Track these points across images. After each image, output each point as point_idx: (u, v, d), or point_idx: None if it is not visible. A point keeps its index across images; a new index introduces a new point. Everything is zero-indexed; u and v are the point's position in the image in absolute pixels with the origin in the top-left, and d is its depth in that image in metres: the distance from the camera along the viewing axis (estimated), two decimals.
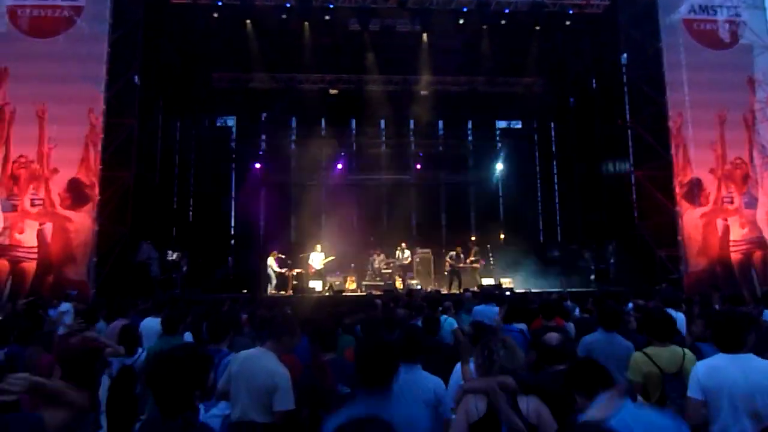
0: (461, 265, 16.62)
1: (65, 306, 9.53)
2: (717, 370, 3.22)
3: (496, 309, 7.20)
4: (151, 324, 6.61)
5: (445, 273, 16.99)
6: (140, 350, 5.41)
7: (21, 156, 13.16)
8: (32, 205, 13.06)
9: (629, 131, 16.37)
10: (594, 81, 19.92)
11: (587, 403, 2.48)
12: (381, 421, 1.82)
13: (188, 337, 6.20)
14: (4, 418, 2.00)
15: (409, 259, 17.10)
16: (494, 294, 8.09)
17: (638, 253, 16.03)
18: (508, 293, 11.74)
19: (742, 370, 3.15)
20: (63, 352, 5.06)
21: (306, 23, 17.91)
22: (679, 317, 6.40)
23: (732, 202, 14.84)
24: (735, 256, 14.67)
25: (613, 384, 2.57)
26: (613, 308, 4.93)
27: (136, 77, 14.63)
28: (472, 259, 16.94)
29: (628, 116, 16.55)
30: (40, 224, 13.02)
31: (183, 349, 2.41)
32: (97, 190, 13.24)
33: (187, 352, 2.35)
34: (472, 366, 3.20)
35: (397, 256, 17.01)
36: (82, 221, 13.14)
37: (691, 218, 14.72)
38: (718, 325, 3.34)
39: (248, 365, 3.76)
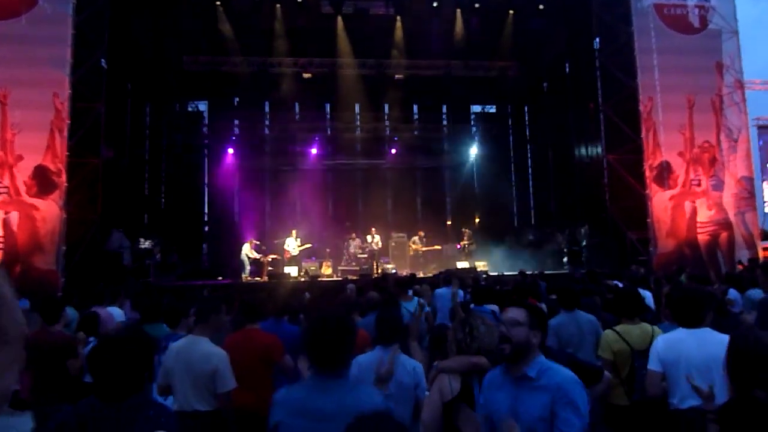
0: (423, 248, 16.95)
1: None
2: (675, 343, 3.34)
3: (459, 291, 7.24)
4: (118, 313, 6.53)
5: (416, 257, 17.24)
6: (91, 339, 5.27)
7: None
8: None
9: (601, 115, 16.55)
10: (567, 65, 20.07)
11: None
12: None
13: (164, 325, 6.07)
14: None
15: (380, 244, 17.18)
16: (456, 276, 8.07)
17: (610, 236, 16.31)
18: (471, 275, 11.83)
19: (698, 342, 3.27)
20: (35, 346, 4.97)
21: (278, 6, 17.66)
22: (647, 295, 6.57)
23: (699, 185, 15.16)
24: (702, 238, 15.02)
25: None
26: (570, 289, 5.06)
27: (103, 60, 14.23)
28: (466, 242, 17.33)
29: (600, 100, 16.72)
30: (5, 213, 12.63)
31: (126, 330, 2.39)
32: (64, 177, 12.88)
33: (130, 333, 2.25)
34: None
35: (368, 241, 17.05)
36: (49, 209, 12.79)
37: (660, 201, 15.00)
38: (678, 301, 3.46)
39: (183, 355, 3.77)
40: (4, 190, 12.65)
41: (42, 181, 12.78)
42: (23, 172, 12.76)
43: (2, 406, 1.80)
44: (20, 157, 12.76)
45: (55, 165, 12.86)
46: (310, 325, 2.39)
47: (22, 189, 12.70)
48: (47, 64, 12.97)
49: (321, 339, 2.28)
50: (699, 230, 15.05)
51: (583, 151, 18.96)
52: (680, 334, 3.37)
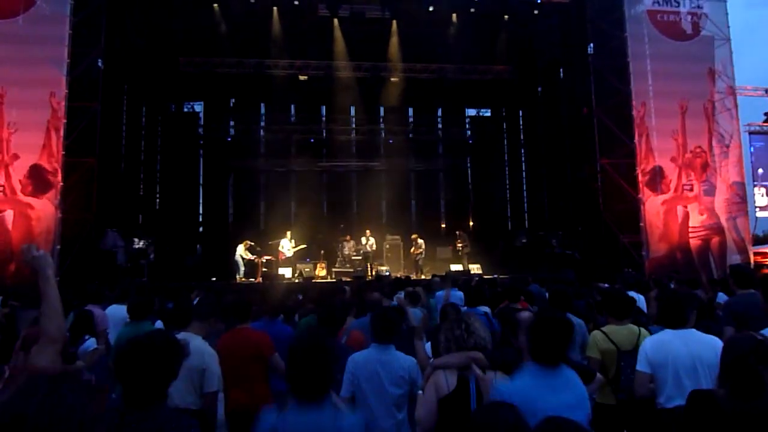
0: (420, 250, 16.97)
1: None
2: (662, 344, 3.43)
3: (459, 293, 7.33)
4: (116, 311, 6.54)
5: (415, 260, 17.20)
6: (86, 337, 5.29)
7: None
8: None
9: (595, 120, 16.68)
10: (561, 70, 20.19)
11: None
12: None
13: (159, 324, 6.16)
14: None
15: (374, 246, 17.17)
16: (456, 279, 8.27)
17: (603, 240, 16.41)
18: (475, 278, 11.91)
19: (685, 343, 3.36)
20: (28, 340, 5.01)
21: (275, 8, 17.73)
22: (640, 299, 6.67)
23: (692, 190, 15.31)
24: (694, 242, 15.16)
25: None
26: (562, 291, 5.14)
27: (99, 60, 14.25)
28: (460, 245, 17.35)
29: (594, 105, 16.84)
30: (1, 211, 12.66)
31: (159, 335, 2.23)
32: (59, 177, 12.91)
33: (163, 338, 2.18)
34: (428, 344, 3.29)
35: (362, 243, 17.07)
36: (44, 208, 12.81)
37: (652, 205, 15.15)
38: (663, 303, 3.56)
39: None
40: (0, 188, 12.65)
41: (37, 181, 12.81)
42: (19, 171, 12.78)
43: None
44: (16, 156, 12.79)
45: (51, 164, 12.89)
46: (290, 355, 2.41)
47: (18, 188, 12.73)
48: (44, 64, 13.01)
49: (300, 366, 2.32)
50: (691, 235, 15.20)
51: (576, 155, 19.07)
52: (667, 335, 3.46)
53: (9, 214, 12.67)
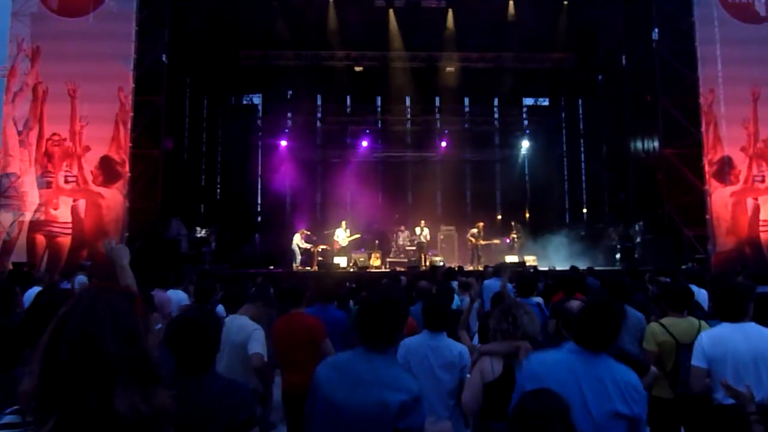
0: (482, 241, 16.79)
1: (80, 278, 9.85)
2: (721, 339, 3.28)
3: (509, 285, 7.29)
4: (174, 296, 6.86)
5: (469, 250, 17.10)
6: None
7: (54, 134, 13.53)
8: (66, 181, 13.46)
9: (659, 108, 16.02)
10: (624, 57, 19.47)
11: None
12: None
13: (221, 308, 6.41)
14: None
15: (429, 236, 17.16)
16: (505, 269, 8.21)
17: (665, 232, 15.82)
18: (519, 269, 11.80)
19: (745, 337, 3.21)
20: None
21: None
22: (702, 293, 6.41)
23: (763, 181, 14.51)
24: (765, 236, 14.39)
25: None
26: (622, 282, 5.00)
27: (163, 55, 14.81)
28: (515, 236, 17.33)
29: (658, 93, 16.17)
30: (74, 200, 13.44)
31: (200, 313, 2.49)
32: (127, 167, 13.58)
33: (206, 315, 2.45)
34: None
35: (417, 233, 17.09)
36: (113, 197, 13.51)
37: (720, 197, 14.46)
38: (719, 295, 3.41)
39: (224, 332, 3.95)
40: (73, 179, 13.43)
41: (107, 171, 13.52)
42: (90, 162, 13.53)
43: None
44: (87, 148, 13.54)
45: (120, 156, 13.58)
46: (363, 302, 2.52)
47: (89, 178, 13.48)
48: (113, 59, 13.67)
49: (369, 315, 2.38)
50: (762, 229, 14.42)
51: (639, 145, 18.39)
52: (725, 329, 3.32)
53: (82, 203, 13.44)
